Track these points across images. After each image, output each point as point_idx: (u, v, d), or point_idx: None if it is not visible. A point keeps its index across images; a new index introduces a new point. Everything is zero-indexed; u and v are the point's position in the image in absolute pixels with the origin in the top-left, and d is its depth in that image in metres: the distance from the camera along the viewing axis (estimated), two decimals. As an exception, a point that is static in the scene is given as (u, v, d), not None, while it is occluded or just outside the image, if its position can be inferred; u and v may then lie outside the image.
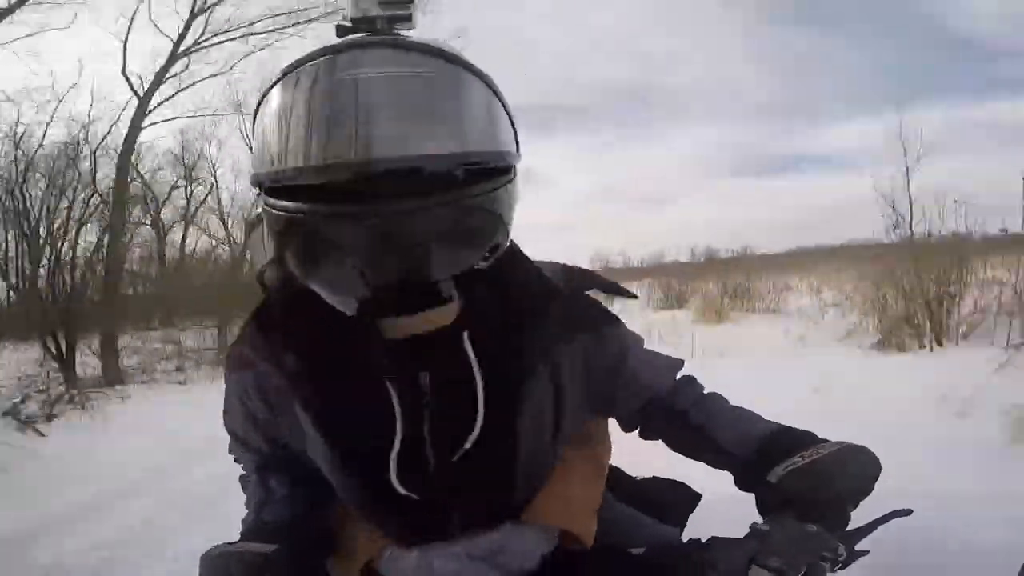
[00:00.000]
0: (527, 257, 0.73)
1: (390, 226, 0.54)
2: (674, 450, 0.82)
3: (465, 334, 0.64)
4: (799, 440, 0.69)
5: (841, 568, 0.61)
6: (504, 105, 0.61)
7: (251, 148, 0.63)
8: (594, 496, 0.77)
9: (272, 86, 0.57)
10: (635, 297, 0.89)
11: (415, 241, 0.55)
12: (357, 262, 0.55)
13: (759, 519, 0.66)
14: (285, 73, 0.57)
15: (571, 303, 0.73)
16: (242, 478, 0.81)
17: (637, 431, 0.84)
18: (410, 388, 0.64)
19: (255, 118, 0.59)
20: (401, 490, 0.65)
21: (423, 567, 0.68)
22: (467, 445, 0.65)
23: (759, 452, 0.70)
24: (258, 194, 0.60)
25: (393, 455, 0.64)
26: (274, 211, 0.56)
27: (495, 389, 0.65)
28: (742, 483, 0.73)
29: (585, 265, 0.85)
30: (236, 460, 0.81)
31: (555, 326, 0.70)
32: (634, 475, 0.95)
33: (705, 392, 0.81)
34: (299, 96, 0.54)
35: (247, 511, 0.77)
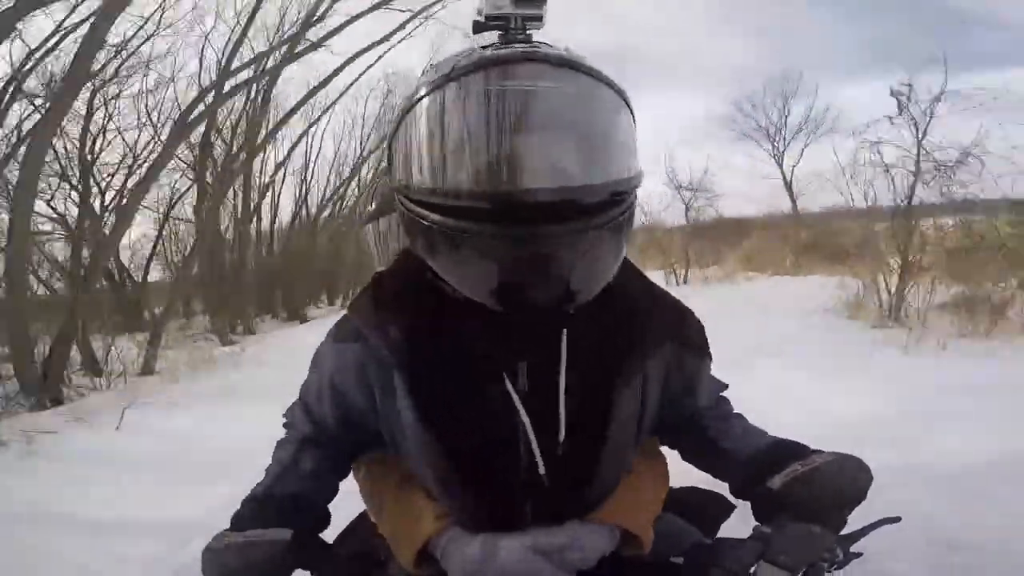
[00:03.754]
0: (630, 261, 0.73)
1: (550, 248, 0.56)
2: (684, 459, 0.86)
3: (564, 331, 0.67)
4: (796, 451, 0.74)
5: (837, 569, 0.67)
6: (635, 120, 0.63)
7: (389, 147, 0.63)
8: (657, 505, 0.80)
9: (431, 91, 0.57)
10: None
11: (571, 264, 0.57)
12: (517, 279, 0.58)
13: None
14: (446, 80, 0.56)
15: (670, 309, 0.75)
16: (279, 442, 0.81)
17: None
18: (510, 377, 0.66)
19: (403, 117, 0.59)
20: (484, 476, 0.67)
21: (487, 554, 0.68)
22: (559, 438, 0.67)
23: (756, 461, 0.75)
24: (398, 195, 0.61)
25: (486, 440, 0.66)
26: (432, 223, 0.57)
27: (589, 388, 0.67)
28: (738, 491, 0.79)
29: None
30: (285, 425, 0.82)
31: (652, 331, 0.72)
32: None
33: (732, 411, 0.85)
34: (470, 112, 0.55)
35: (264, 475, 0.77)
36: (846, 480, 0.70)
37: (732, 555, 0.67)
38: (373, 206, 1.21)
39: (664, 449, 0.86)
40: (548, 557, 0.69)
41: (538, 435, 0.67)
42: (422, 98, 0.58)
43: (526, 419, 0.67)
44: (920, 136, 6.23)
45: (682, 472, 0.88)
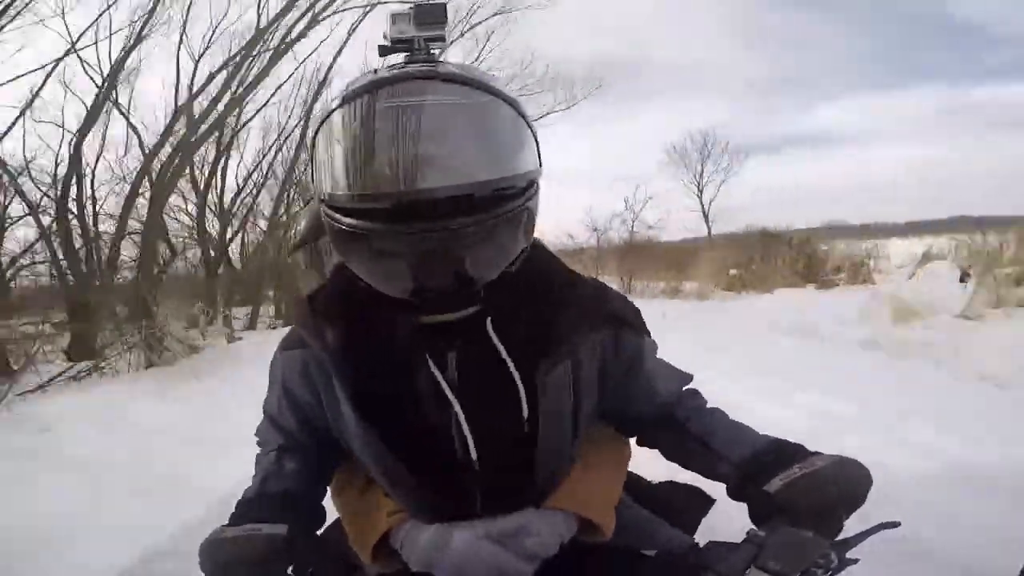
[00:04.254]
0: (548, 250, 0.77)
1: (440, 241, 0.61)
2: (669, 459, 0.84)
3: (488, 320, 0.69)
4: (794, 452, 0.71)
5: (833, 574, 0.62)
6: (530, 126, 0.67)
7: (309, 163, 0.69)
8: (614, 491, 0.79)
9: (331, 112, 0.63)
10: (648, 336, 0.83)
11: (460, 254, 0.62)
12: (412, 270, 0.63)
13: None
14: (345, 101, 0.62)
15: (596, 294, 0.77)
16: (258, 457, 0.84)
17: (635, 438, 0.86)
18: (439, 368, 0.69)
19: (314, 139, 0.66)
20: (426, 466, 0.69)
21: (439, 543, 0.70)
22: (500, 426, 0.69)
23: (754, 463, 0.72)
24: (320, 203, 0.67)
25: (423, 431, 0.69)
26: (341, 225, 0.63)
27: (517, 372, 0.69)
28: (735, 493, 0.75)
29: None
30: (259, 443, 0.86)
31: (577, 315, 0.73)
32: (650, 479, 0.96)
33: (708, 406, 0.82)
34: (361, 127, 0.60)
35: (252, 481, 0.80)
36: (846, 484, 0.67)
37: (723, 559, 0.64)
38: (301, 229, 1.27)
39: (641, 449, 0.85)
40: (502, 544, 0.69)
41: (470, 424, 0.69)
42: (329, 116, 0.64)
43: (458, 408, 0.69)
44: (634, 218, 14.08)
45: (666, 466, 0.86)
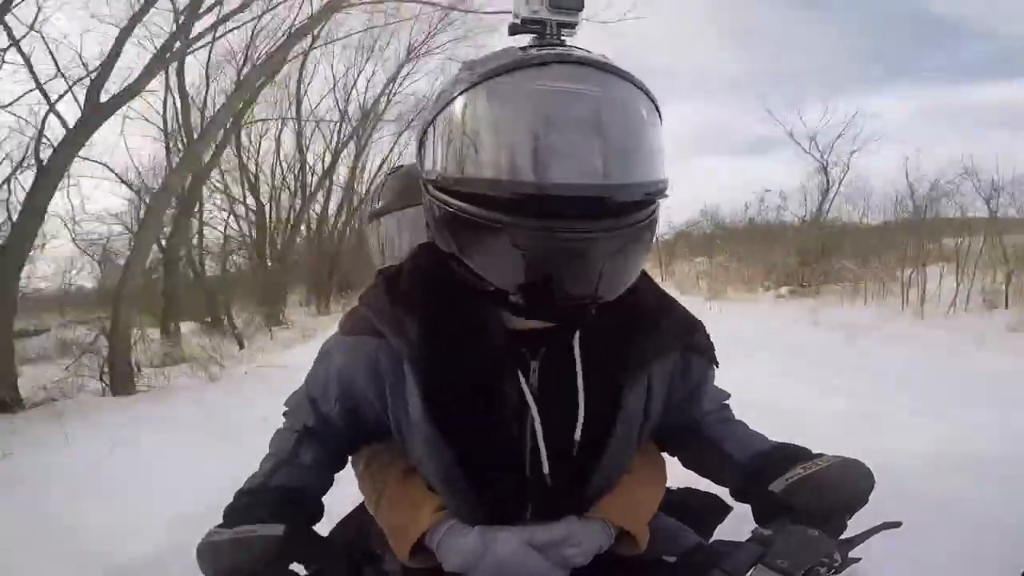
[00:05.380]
0: (643, 270, 0.73)
1: (581, 244, 0.56)
2: (686, 466, 0.87)
3: (576, 335, 0.68)
4: (798, 454, 0.75)
5: (836, 573, 0.67)
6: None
7: (421, 140, 0.64)
8: (653, 504, 0.80)
9: (472, 86, 0.58)
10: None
11: (601, 261, 0.57)
12: (550, 273, 0.57)
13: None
14: (485, 79, 0.58)
15: (682, 322, 0.76)
16: (278, 432, 0.80)
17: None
18: (520, 375, 0.67)
19: (438, 115, 0.61)
20: (488, 470, 0.68)
21: (483, 547, 0.69)
22: (571, 438, 0.67)
23: (759, 463, 0.76)
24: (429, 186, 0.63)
25: (494, 436, 0.67)
26: (468, 215, 0.58)
27: (596, 390, 0.68)
28: (740, 494, 0.79)
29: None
30: (285, 415, 0.81)
31: (661, 342, 0.72)
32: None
33: (734, 418, 0.86)
34: (509, 109, 0.57)
35: (260, 466, 0.76)
36: (848, 484, 0.71)
37: (730, 557, 0.67)
38: (378, 204, 1.20)
39: (664, 455, 0.87)
40: (544, 552, 0.69)
41: (546, 434, 0.67)
42: (463, 92, 0.59)
43: (537, 417, 0.67)
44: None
45: (679, 474, 0.89)
